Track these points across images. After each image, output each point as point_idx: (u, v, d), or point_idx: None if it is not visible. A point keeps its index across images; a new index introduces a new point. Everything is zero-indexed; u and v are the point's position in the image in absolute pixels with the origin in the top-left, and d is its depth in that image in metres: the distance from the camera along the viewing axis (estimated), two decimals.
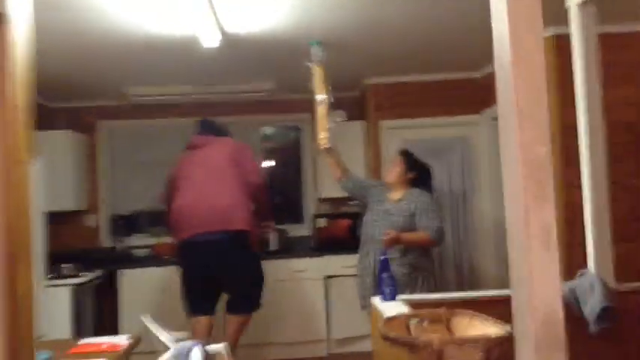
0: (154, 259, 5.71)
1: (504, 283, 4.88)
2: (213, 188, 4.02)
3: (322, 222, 5.79)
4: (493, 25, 1.36)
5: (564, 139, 3.93)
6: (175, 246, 4.27)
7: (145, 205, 6.00)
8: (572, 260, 3.81)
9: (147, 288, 5.38)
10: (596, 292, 2.73)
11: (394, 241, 3.58)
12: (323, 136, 3.93)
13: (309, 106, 6.11)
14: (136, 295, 5.35)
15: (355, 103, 6.02)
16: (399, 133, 5.45)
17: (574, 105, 3.43)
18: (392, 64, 4.98)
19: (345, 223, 5.80)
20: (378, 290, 2.77)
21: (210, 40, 3.55)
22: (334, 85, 5.58)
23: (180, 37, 3.80)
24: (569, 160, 3.93)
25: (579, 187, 2.85)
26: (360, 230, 5.76)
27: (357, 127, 5.76)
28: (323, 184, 5.84)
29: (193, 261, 4.14)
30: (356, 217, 5.74)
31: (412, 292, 3.75)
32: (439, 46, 4.41)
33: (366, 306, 3.82)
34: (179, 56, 4.29)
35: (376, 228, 3.83)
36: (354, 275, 5.52)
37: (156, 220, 6.13)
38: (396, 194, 3.90)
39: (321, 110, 3.90)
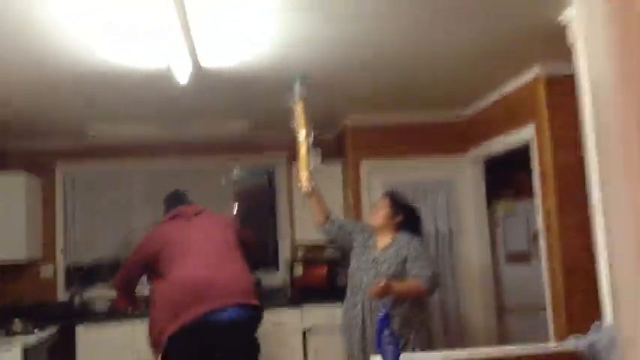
0: (112, 314, 5.23)
1: (491, 334, 4.54)
2: (226, 257, 3.48)
3: (299, 268, 5.42)
4: None
5: None
6: (164, 332, 3.25)
7: (106, 254, 5.55)
8: None
9: (107, 346, 4.89)
10: (619, 349, 2.44)
11: (385, 292, 3.25)
12: (305, 177, 3.62)
13: (284, 145, 5.88)
14: (96, 354, 4.86)
15: (333, 144, 5.76)
16: (380, 175, 5.19)
17: None
18: (374, 102, 4.74)
19: (323, 270, 5.45)
20: (377, 350, 2.43)
21: (184, 75, 3.23)
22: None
23: (150, 70, 3.46)
24: None
25: None
26: (340, 279, 5.55)
27: (334, 168, 5.48)
28: (299, 228, 5.50)
29: (200, 343, 3.27)
30: (334, 264, 5.41)
31: (403, 348, 3.40)
32: (424, 82, 4.19)
33: None
34: (148, 92, 3.96)
35: (364, 277, 3.50)
36: (335, 327, 5.20)
37: (117, 270, 5.68)
38: (384, 239, 3.59)
39: (302, 149, 3.61)
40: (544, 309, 5.10)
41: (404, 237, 3.56)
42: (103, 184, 5.63)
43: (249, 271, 3.58)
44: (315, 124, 5.36)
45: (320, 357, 5.13)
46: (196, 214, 3.70)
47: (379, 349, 2.42)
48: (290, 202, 5.76)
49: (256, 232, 6.27)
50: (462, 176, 5.20)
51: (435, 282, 3.45)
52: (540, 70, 3.75)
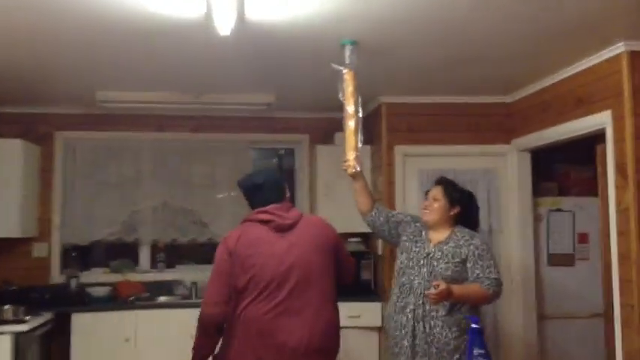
0: (115, 300, 4.73)
1: (532, 343, 4.02)
2: (321, 306, 2.68)
3: None
4: None
5: None
6: None
7: (108, 233, 5.03)
8: None
9: (106, 336, 4.39)
10: None
11: (444, 296, 2.76)
12: (351, 157, 3.11)
13: (306, 126, 5.39)
14: (93, 344, 4.36)
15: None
16: (416, 162, 4.68)
17: None
18: (414, 81, 4.22)
19: None
20: None
21: (226, 24, 2.67)
22: (336, 102, 4.84)
23: (178, 21, 2.91)
24: None
25: None
26: (364, 273, 5.06)
27: (364, 151, 4.96)
28: (321, 216, 4.99)
29: None
30: (360, 257, 4.92)
31: None
32: (472, 61, 3.68)
33: None
34: (168, 52, 3.42)
35: (415, 276, 3.01)
36: (362, 328, 4.75)
37: (120, 252, 5.18)
38: (439, 234, 3.10)
39: (350, 125, 3.10)
40: (591, 317, 4.71)
41: (463, 232, 3.08)
42: (107, 157, 5.08)
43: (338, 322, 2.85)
44: (335, 101, 4.89)
45: (345, 358, 4.65)
46: (293, 225, 2.71)
47: None
48: (312, 188, 5.25)
49: None
50: (506, 167, 4.70)
51: (500, 286, 2.97)
52: (624, 47, 3.25)
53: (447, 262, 2.97)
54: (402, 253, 3.14)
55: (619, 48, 3.28)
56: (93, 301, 4.67)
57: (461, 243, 3.02)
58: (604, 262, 4.55)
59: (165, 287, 4.99)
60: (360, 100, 3.14)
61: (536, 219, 4.76)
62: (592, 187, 5.09)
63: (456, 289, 2.81)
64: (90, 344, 4.34)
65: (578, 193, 5.00)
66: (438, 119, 4.69)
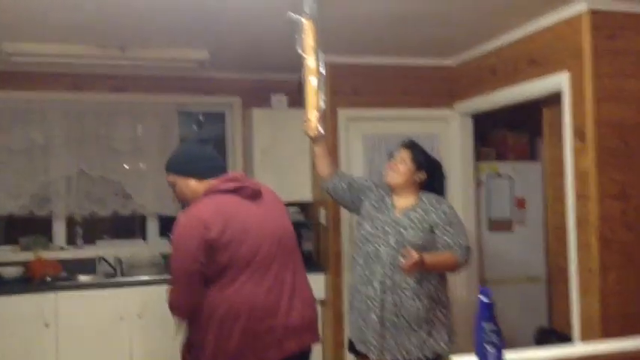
0: (28, 281, 4.21)
1: (475, 309, 3.92)
2: (298, 275, 2.34)
3: None
4: None
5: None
6: None
7: (16, 206, 4.45)
8: None
9: (22, 322, 3.90)
10: None
11: (418, 266, 2.58)
12: (313, 117, 2.83)
13: (238, 87, 5.00)
14: (7, 331, 3.85)
15: (298, 88, 4.94)
16: (359, 126, 4.47)
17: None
18: (357, 40, 3.98)
19: None
20: (476, 349, 1.75)
21: None
22: (273, 61, 4.52)
23: None
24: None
25: None
26: (305, 244, 4.82)
27: (301, 116, 4.67)
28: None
29: None
30: (297, 228, 4.65)
31: (430, 333, 2.78)
32: (420, 17, 3.48)
33: (370, 354, 2.78)
34: None
35: (381, 245, 2.81)
36: None
37: (31, 226, 4.62)
38: (404, 200, 2.91)
39: (311, 82, 2.80)
40: (530, 281, 4.76)
41: (429, 197, 2.90)
42: (13, 120, 4.46)
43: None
44: (277, 62, 4.58)
45: None
46: (261, 191, 2.40)
47: (477, 348, 1.75)
48: (246, 155, 4.91)
49: None
50: (449, 132, 4.60)
51: (469, 254, 2.83)
52: (586, 5, 3.15)
53: (415, 230, 2.79)
54: (365, 221, 2.93)
55: (580, 5, 3.18)
56: (3, 283, 4.13)
57: (429, 209, 2.85)
58: (550, 226, 4.60)
59: (86, 265, 4.51)
60: (321, 54, 2.84)
61: (477, 185, 4.72)
62: (527, 151, 5.14)
63: (428, 257, 2.64)
64: (4, 331, 3.84)
65: (515, 158, 5.01)
66: (381, 82, 4.48)
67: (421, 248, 2.72)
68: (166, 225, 4.90)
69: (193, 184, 2.32)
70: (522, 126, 5.12)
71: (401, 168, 2.91)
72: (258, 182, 2.50)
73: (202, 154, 2.39)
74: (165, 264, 4.63)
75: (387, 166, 3.00)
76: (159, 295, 4.20)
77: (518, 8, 3.32)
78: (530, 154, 5.12)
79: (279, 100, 4.80)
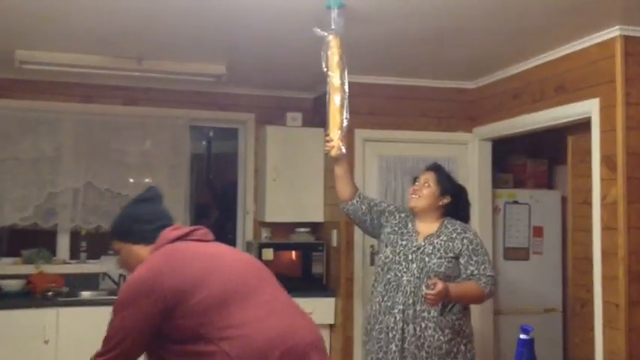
0: (29, 295, 4.07)
1: (488, 338, 3.81)
2: (284, 292, 2.01)
3: (269, 253, 4.48)
4: None
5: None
6: None
7: (20, 218, 4.33)
8: None
9: (21, 337, 3.76)
10: None
11: (442, 296, 2.46)
12: (336, 137, 2.71)
13: (252, 104, 4.89)
14: (6, 347, 3.71)
15: (313, 106, 4.86)
16: (376, 147, 4.37)
17: None
18: (378, 60, 3.89)
19: (294, 256, 4.57)
20: None
21: None
22: (290, 78, 4.43)
23: None
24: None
25: None
26: (316, 266, 4.68)
27: (316, 135, 4.58)
28: (266, 204, 4.58)
29: None
30: (307, 249, 4.55)
31: None
32: (448, 38, 3.39)
33: None
34: (105, 5, 2.86)
35: (404, 273, 2.68)
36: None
37: (34, 239, 4.51)
38: (428, 226, 2.80)
39: (335, 100, 2.70)
40: (545, 312, 4.61)
41: (454, 224, 2.79)
42: (22, 129, 4.36)
43: None
44: (293, 79, 4.48)
45: None
46: (208, 234, 2.05)
47: None
48: (258, 172, 4.80)
49: (210, 204, 5.36)
50: (467, 156, 4.49)
51: (495, 285, 2.71)
52: (619, 31, 3.06)
53: (439, 258, 2.66)
54: (386, 247, 2.81)
55: (612, 32, 3.09)
56: (4, 296, 4.00)
57: (453, 236, 2.73)
58: (571, 257, 4.47)
59: (89, 281, 4.38)
60: (346, 71, 2.74)
61: (494, 211, 4.59)
62: (546, 179, 5.03)
63: (453, 288, 2.52)
64: (1, 347, 3.69)
65: (533, 186, 4.89)
66: (399, 103, 4.39)
67: (445, 277, 2.60)
68: None
69: (139, 251, 1.94)
70: (541, 153, 5.02)
71: (425, 192, 2.79)
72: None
73: (148, 215, 1.99)
74: None
75: (410, 190, 2.88)
76: None
77: (548, 32, 3.23)
78: (548, 181, 5.00)
79: (293, 118, 4.70)
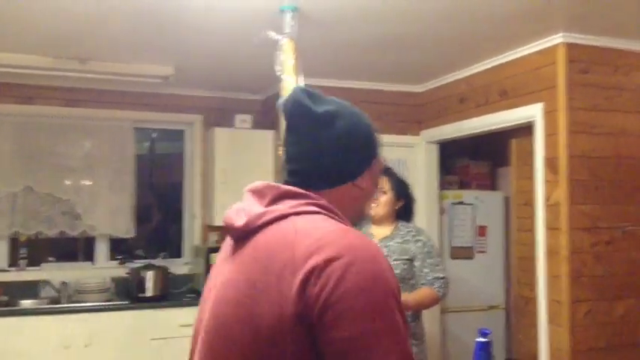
0: None
1: (435, 337, 3.88)
2: None
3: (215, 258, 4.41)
4: None
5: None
6: None
7: None
8: None
9: None
10: None
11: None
12: None
13: (199, 105, 4.80)
14: None
15: (262, 108, 4.83)
16: None
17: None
18: (332, 61, 3.90)
19: None
20: None
21: None
22: (239, 80, 4.38)
23: None
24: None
25: None
26: None
27: (265, 137, 4.56)
28: (215, 208, 4.51)
29: None
30: None
31: None
32: (388, 46, 3.46)
33: None
34: (44, 4, 2.76)
35: None
36: None
37: None
38: (382, 229, 2.83)
39: None
40: (489, 309, 4.74)
41: (408, 227, 2.83)
42: None
43: None
44: (240, 81, 4.43)
45: None
46: (245, 233, 1.13)
47: None
48: (206, 175, 4.73)
49: (155, 208, 5.23)
50: (416, 158, 4.57)
51: (448, 286, 2.77)
52: (562, 38, 3.19)
53: (394, 260, 2.70)
54: None
55: (556, 39, 3.21)
56: None
57: (407, 239, 2.77)
58: (515, 256, 4.61)
59: (29, 289, 4.20)
60: (300, 75, 2.74)
61: (440, 212, 4.69)
62: (489, 180, 5.18)
63: (410, 299, 2.57)
64: None
65: (477, 187, 5.03)
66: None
67: (400, 279, 2.63)
68: (117, 247, 4.64)
69: None
70: (483, 155, 5.17)
71: (382, 200, 2.82)
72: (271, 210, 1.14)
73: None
74: (115, 289, 4.37)
75: None
76: (108, 322, 4.00)
77: (494, 38, 3.33)
78: (491, 183, 5.16)
79: (242, 120, 4.65)
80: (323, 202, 1.13)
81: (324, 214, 1.10)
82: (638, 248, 3.28)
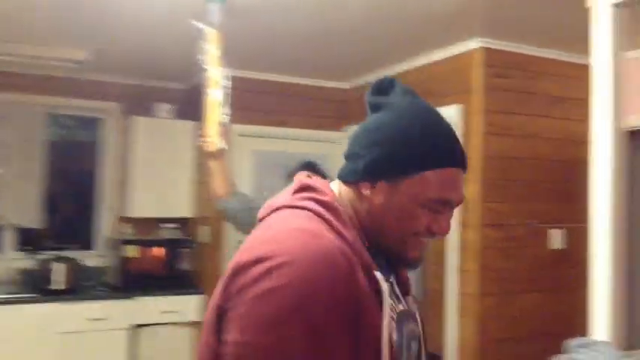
0: None
1: None
2: None
3: (134, 250, 4.29)
4: None
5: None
6: None
7: None
8: None
9: None
10: None
11: None
12: (212, 132, 2.65)
13: (117, 93, 4.61)
14: None
15: (185, 97, 4.73)
16: (248, 142, 4.35)
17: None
18: (255, 55, 3.88)
19: (160, 253, 4.42)
20: None
21: None
22: (161, 68, 4.26)
23: None
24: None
25: None
26: (183, 262, 4.52)
27: (186, 128, 4.47)
28: (131, 199, 4.38)
29: None
30: (175, 246, 4.42)
31: None
32: (316, 42, 3.49)
33: None
34: None
35: None
36: (178, 324, 4.23)
37: None
38: None
39: (213, 95, 2.64)
40: None
41: None
42: None
43: None
44: (169, 67, 4.30)
45: (154, 358, 4.14)
46: None
47: None
48: (123, 165, 4.57)
49: (68, 198, 5.00)
50: (338, 154, 4.62)
51: None
52: (480, 43, 3.32)
53: None
54: None
55: (474, 44, 3.34)
56: None
57: None
58: (429, 250, 4.75)
59: None
60: (225, 66, 2.70)
61: None
62: None
63: None
64: None
65: None
66: (275, 99, 4.41)
67: None
68: (26, 238, 4.40)
69: None
70: None
71: None
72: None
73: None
74: (22, 282, 4.15)
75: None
76: (13, 316, 3.79)
77: (418, 39, 3.41)
78: None
79: (163, 109, 4.54)
80: (326, 198, 1.02)
81: (313, 212, 0.99)
82: (543, 245, 3.48)
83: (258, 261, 0.89)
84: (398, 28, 3.19)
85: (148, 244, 4.38)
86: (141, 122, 4.38)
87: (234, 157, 4.25)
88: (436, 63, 3.64)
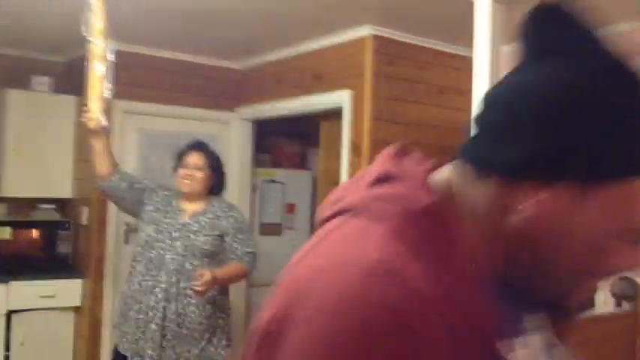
0: None
1: (240, 311, 4.02)
2: None
3: (5, 231, 3.99)
4: None
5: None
6: None
7: None
8: None
9: None
10: None
11: (211, 285, 2.52)
12: (95, 108, 2.51)
13: None
14: None
15: (64, 72, 4.44)
16: (135, 120, 4.18)
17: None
18: (144, 29, 3.70)
19: (36, 234, 4.16)
20: None
21: None
22: (39, 38, 3.97)
23: None
24: None
25: None
26: (62, 245, 4.26)
27: (66, 103, 4.21)
28: (4, 177, 4.08)
29: None
30: (52, 228, 4.18)
31: (210, 340, 2.68)
32: (207, 19, 3.41)
33: None
34: None
35: (167, 251, 2.64)
36: (57, 309, 3.99)
37: None
38: (194, 204, 2.78)
39: (97, 68, 2.49)
40: None
41: (220, 202, 2.84)
42: None
43: None
44: (48, 38, 4.01)
45: (28, 349, 3.90)
46: None
47: None
48: None
49: None
50: (230, 135, 4.56)
51: (256, 260, 2.83)
52: (370, 30, 3.39)
53: (205, 235, 2.68)
54: (148, 225, 2.72)
55: (365, 31, 3.40)
56: None
57: (219, 214, 2.77)
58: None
59: None
60: (110, 40, 2.55)
61: (252, 189, 4.75)
62: (299, 160, 5.36)
63: (219, 273, 2.59)
64: None
65: (288, 166, 5.18)
66: (163, 76, 4.26)
67: (210, 254, 2.65)
68: None
69: None
70: (296, 135, 5.33)
71: (198, 176, 2.76)
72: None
73: None
74: None
75: (180, 174, 2.79)
76: None
77: (310, 23, 3.42)
78: (301, 162, 5.34)
79: (41, 82, 4.24)
80: (422, 206, 0.64)
81: (391, 228, 0.62)
82: None
83: (270, 322, 0.62)
84: (292, 10, 3.18)
85: (21, 225, 4.11)
86: (16, 95, 4.07)
87: (119, 134, 4.07)
88: (328, 48, 3.68)
